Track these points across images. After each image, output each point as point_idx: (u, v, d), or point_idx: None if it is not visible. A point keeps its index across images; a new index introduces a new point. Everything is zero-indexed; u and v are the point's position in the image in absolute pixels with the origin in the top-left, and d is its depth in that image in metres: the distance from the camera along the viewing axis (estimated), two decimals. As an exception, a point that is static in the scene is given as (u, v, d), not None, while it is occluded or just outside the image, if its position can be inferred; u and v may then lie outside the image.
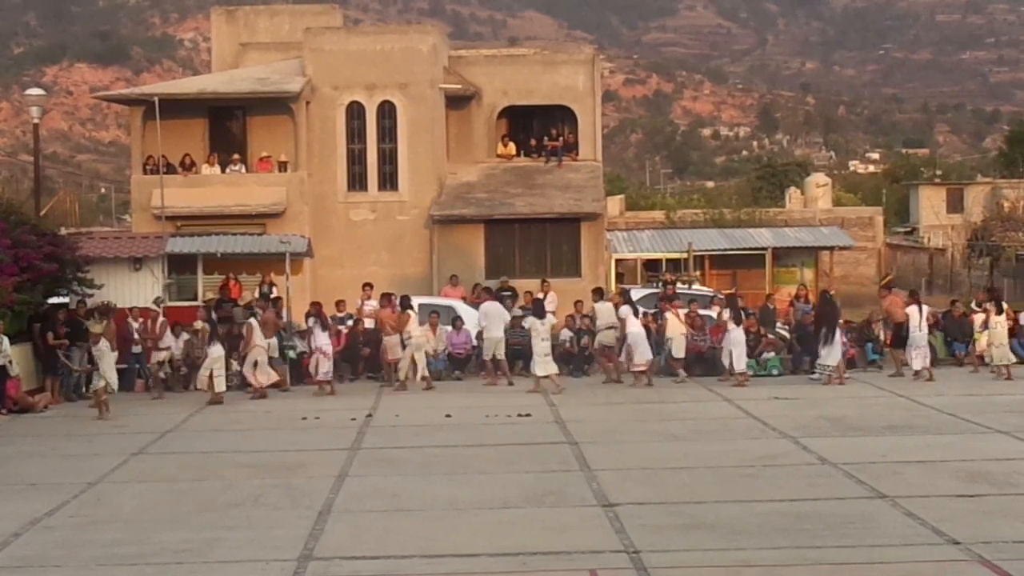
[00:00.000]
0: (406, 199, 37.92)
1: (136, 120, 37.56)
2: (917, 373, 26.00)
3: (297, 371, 27.41)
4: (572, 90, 39.84)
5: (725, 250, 41.70)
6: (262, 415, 23.01)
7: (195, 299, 30.41)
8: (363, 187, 38.08)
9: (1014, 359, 26.73)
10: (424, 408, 23.17)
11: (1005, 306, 28.00)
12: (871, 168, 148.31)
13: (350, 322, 28.66)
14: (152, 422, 22.10)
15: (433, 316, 28.55)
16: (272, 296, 30.18)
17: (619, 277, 41.76)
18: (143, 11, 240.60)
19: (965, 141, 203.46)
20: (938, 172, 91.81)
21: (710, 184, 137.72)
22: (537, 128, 40.82)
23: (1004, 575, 11.31)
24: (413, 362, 26.32)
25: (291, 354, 27.57)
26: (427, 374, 26.36)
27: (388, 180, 38.13)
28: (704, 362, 27.85)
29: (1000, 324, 26.55)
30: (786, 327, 29.79)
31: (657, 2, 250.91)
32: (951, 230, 60.04)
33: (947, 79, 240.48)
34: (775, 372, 27.66)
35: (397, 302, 26.92)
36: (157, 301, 28.18)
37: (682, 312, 28.32)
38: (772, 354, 28.12)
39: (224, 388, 24.73)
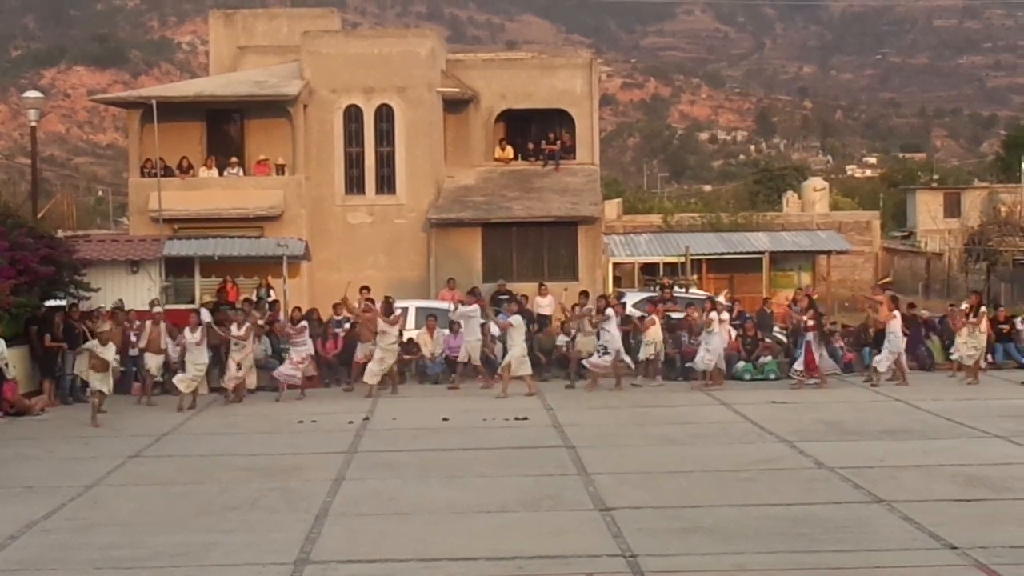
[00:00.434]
0: (404, 202, 37.92)
1: (134, 123, 37.55)
2: (878, 375, 26.03)
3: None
4: (570, 94, 39.86)
5: (722, 254, 41.77)
6: (259, 418, 22.98)
7: (192, 302, 30.37)
8: (360, 190, 38.09)
9: (973, 361, 26.67)
10: (421, 411, 23.16)
11: (983, 310, 27.98)
12: (868, 172, 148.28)
13: (347, 325, 28.60)
14: (149, 425, 22.08)
15: (430, 320, 28.55)
16: (270, 299, 30.17)
17: (616, 281, 41.80)
18: (141, 14, 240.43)
19: (962, 146, 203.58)
20: (935, 176, 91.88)
21: (707, 188, 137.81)
22: (535, 132, 40.84)
23: (1001, 580, 11.33)
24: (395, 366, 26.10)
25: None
26: (395, 381, 26.08)
27: (386, 183, 38.15)
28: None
29: (979, 328, 26.60)
30: (783, 331, 29.79)
31: (655, 6, 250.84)
32: (948, 234, 60.02)
33: (944, 84, 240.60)
34: (772, 376, 27.63)
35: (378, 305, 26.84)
36: (154, 303, 28.11)
37: (677, 314, 28.37)
38: (769, 358, 28.11)
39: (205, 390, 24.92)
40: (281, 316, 28.62)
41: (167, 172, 36.40)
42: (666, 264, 41.07)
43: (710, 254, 41.71)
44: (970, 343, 26.57)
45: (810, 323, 26.11)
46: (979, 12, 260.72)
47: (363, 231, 37.80)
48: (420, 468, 17.30)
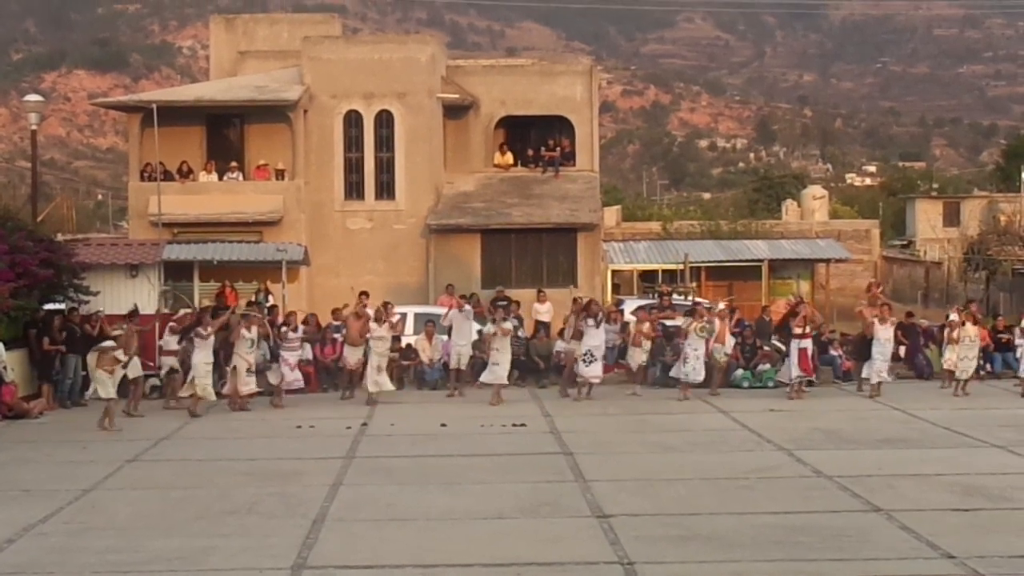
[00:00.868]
0: (403, 208, 37.95)
1: (134, 127, 37.59)
2: (876, 386, 25.82)
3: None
4: (569, 101, 39.92)
5: (721, 262, 41.73)
6: (257, 423, 22.97)
7: (190, 307, 30.32)
8: (360, 196, 38.13)
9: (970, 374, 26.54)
10: (419, 417, 23.16)
11: (978, 318, 27.89)
12: (868, 181, 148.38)
13: (345, 331, 28.53)
14: (147, 429, 22.07)
15: (429, 325, 28.55)
16: (268, 304, 30.15)
17: (615, 288, 41.79)
18: (142, 18, 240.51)
19: (962, 155, 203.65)
20: (935, 185, 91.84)
21: (707, 195, 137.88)
22: (534, 138, 40.90)
23: (998, 589, 11.33)
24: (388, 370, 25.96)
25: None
26: (378, 388, 25.53)
27: (385, 189, 38.18)
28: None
29: (971, 337, 26.43)
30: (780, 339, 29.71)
31: (655, 14, 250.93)
32: (947, 243, 60.05)
33: (944, 93, 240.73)
34: (770, 384, 27.61)
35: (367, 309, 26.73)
36: (133, 314, 27.04)
37: (674, 322, 28.31)
38: (768, 366, 28.09)
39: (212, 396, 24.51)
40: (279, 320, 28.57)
41: (167, 176, 36.43)
42: (665, 271, 41.04)
43: (709, 262, 41.68)
44: (969, 354, 26.31)
45: (796, 331, 25.79)
46: (979, 21, 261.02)
47: (362, 236, 37.82)
48: (418, 474, 17.29)
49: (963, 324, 26.60)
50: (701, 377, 25.85)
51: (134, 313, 25.63)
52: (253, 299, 30.61)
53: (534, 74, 41.22)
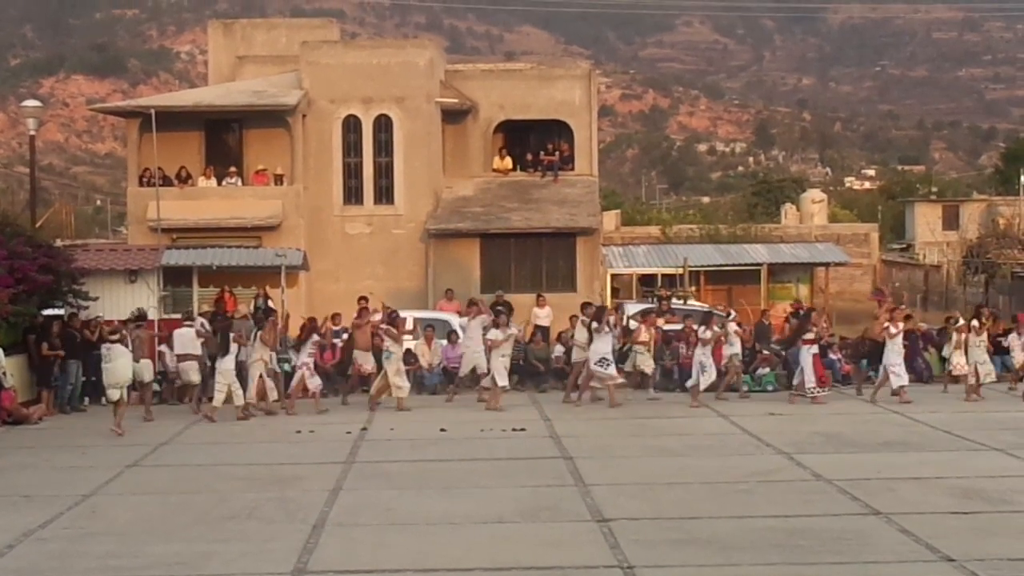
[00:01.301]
0: (402, 213, 37.97)
1: (132, 132, 37.63)
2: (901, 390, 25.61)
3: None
4: (568, 105, 39.95)
5: (720, 266, 41.78)
6: (257, 428, 22.97)
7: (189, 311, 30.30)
8: (359, 200, 38.15)
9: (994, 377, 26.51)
10: (419, 422, 23.14)
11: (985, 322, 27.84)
12: (867, 184, 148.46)
13: (345, 336, 28.57)
14: (147, 434, 22.06)
15: (428, 330, 28.54)
16: (266, 308, 30.15)
17: (615, 292, 41.80)
18: (140, 24, 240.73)
19: (961, 158, 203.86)
20: (934, 189, 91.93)
21: (706, 200, 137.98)
22: (533, 143, 40.92)
23: (998, 592, 11.32)
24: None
25: (286, 367, 27.42)
26: (402, 392, 25.31)
27: (384, 194, 38.21)
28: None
29: (981, 342, 26.38)
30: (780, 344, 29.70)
31: (654, 18, 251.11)
32: (947, 247, 60.10)
33: (943, 96, 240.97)
34: (770, 388, 27.62)
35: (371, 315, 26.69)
36: (138, 315, 26.83)
37: (673, 326, 28.28)
38: (767, 370, 28.10)
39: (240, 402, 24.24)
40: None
41: (166, 182, 36.46)
42: (664, 276, 41.07)
43: (708, 266, 41.72)
44: (984, 358, 26.22)
45: (808, 337, 25.73)
46: (978, 25, 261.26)
47: (361, 241, 37.84)
48: (418, 479, 17.28)
49: (980, 331, 26.49)
50: (714, 377, 25.75)
51: (141, 317, 25.64)
52: (252, 305, 30.59)
53: (533, 78, 41.24)
